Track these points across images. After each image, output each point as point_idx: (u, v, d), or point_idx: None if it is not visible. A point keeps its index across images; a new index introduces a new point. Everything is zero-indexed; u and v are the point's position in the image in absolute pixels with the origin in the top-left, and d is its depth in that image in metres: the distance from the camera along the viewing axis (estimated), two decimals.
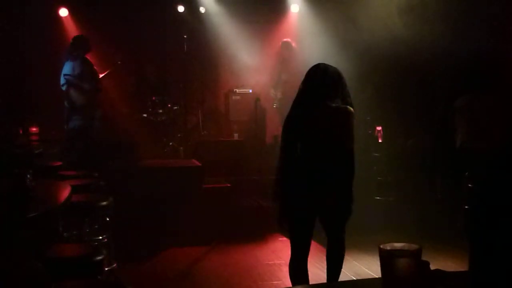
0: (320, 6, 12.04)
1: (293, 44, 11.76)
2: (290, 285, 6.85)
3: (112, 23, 12.24)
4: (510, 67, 9.65)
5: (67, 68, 10.31)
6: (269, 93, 12.10)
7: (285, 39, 11.89)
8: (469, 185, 8.70)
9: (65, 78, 10.26)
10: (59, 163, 8.31)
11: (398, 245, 2.04)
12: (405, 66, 9.80)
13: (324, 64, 5.60)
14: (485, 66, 9.22)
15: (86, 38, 10.69)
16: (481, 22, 9.17)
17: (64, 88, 10.31)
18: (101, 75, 11.08)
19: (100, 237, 6.41)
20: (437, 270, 2.35)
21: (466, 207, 8.69)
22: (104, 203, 6.26)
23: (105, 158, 9.64)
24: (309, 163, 5.33)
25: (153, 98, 11.86)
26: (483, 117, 8.49)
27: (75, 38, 10.66)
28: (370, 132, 10.38)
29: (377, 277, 2.22)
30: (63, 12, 12.51)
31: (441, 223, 8.83)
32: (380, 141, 10.15)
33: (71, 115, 10.31)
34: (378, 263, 2.05)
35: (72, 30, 12.31)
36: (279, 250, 8.47)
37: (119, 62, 11.52)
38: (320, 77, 5.49)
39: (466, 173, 8.73)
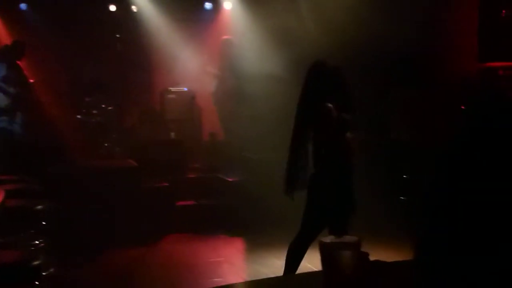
0: (253, 2, 12.03)
1: (234, 41, 11.70)
2: (230, 282, 6.87)
3: (44, 23, 12.03)
4: (440, 63, 9.87)
5: None
6: (206, 91, 12.04)
7: (225, 37, 11.84)
8: (404, 176, 8.87)
9: None
10: None
11: (338, 238, 2.06)
12: (342, 58, 9.88)
13: (320, 62, 5.87)
14: (417, 61, 9.41)
15: (22, 45, 10.53)
16: (413, 16, 9.34)
17: None
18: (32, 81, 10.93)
19: (37, 242, 6.30)
20: (376, 261, 2.37)
21: (402, 197, 8.86)
22: (40, 207, 6.15)
23: (40, 161, 9.47)
24: None
25: (87, 99, 11.70)
26: (416, 110, 8.69)
27: (13, 43, 10.52)
28: None
29: (317, 270, 2.24)
30: None
31: (376, 214, 8.96)
32: None
33: None
34: (319, 256, 2.06)
35: (1, 32, 12.06)
36: (219, 248, 8.47)
37: (53, 70, 11.31)
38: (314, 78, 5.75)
39: (401, 165, 8.90)
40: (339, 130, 5.63)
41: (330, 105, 5.51)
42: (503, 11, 9.14)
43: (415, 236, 1.05)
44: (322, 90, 5.60)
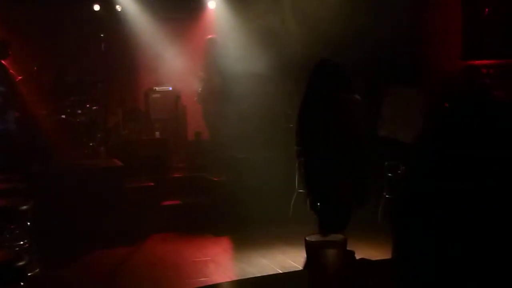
0: (237, 2, 12.04)
1: (219, 40, 11.65)
2: (217, 282, 6.87)
3: (28, 23, 11.98)
4: (424, 61, 9.92)
5: None
6: (191, 90, 12.01)
7: (210, 36, 11.80)
8: (389, 174, 8.90)
9: None
10: None
11: (324, 236, 2.07)
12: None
13: (325, 60, 5.74)
14: (400, 59, 9.45)
15: (7, 45, 10.49)
16: (396, 15, 9.37)
17: None
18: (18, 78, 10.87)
19: (22, 242, 6.27)
20: (362, 259, 2.39)
21: (386, 195, 8.90)
22: (25, 207, 6.12)
23: (25, 161, 9.43)
24: None
25: (71, 98, 11.66)
26: (406, 108, 8.72)
27: None
28: (291, 125, 10.45)
29: (303, 269, 2.25)
30: None
31: (361, 212, 8.98)
32: None
33: None
34: (304, 255, 2.07)
35: None
36: (205, 247, 8.47)
37: (35, 68, 11.26)
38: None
39: (386, 163, 8.93)
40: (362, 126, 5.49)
41: (357, 96, 5.41)
42: (486, 10, 9.20)
43: (392, 235, 1.06)
44: (331, 88, 5.49)
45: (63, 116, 11.61)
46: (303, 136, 5.69)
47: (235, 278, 6.92)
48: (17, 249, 5.99)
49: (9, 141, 10.10)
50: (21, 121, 10.74)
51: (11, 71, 10.61)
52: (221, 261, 7.74)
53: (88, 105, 11.78)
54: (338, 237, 2.08)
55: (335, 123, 5.44)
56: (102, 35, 12.12)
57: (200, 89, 11.54)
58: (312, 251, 2.07)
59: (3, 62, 10.41)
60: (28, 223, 6.34)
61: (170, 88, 12.46)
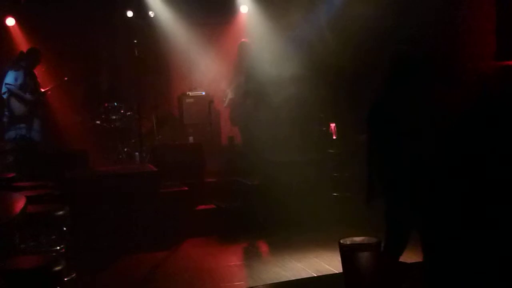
0: (269, 6, 12.05)
1: (251, 44, 11.68)
2: (251, 285, 6.87)
3: (61, 30, 12.10)
4: (457, 61, 9.83)
5: (9, 77, 10.22)
6: (224, 94, 12.05)
7: (242, 40, 11.82)
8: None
9: (6, 87, 10.15)
10: (12, 175, 8.19)
11: (358, 239, 2.06)
12: (357, 63, 9.88)
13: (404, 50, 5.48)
14: (433, 59, 9.36)
15: (38, 53, 10.60)
16: (430, 14, 9.30)
17: (5, 96, 10.20)
18: (46, 88, 10.97)
19: (58, 247, 6.32)
20: (398, 262, 2.37)
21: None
22: (61, 212, 6.17)
23: (60, 167, 9.52)
24: None
25: (106, 104, 11.76)
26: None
27: (29, 50, 10.61)
28: (324, 129, 10.43)
29: (337, 272, 2.24)
30: (10, 21, 12.31)
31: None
32: (334, 137, 10.20)
33: (9, 125, 10.20)
34: (339, 258, 2.06)
35: (19, 39, 12.14)
36: (239, 251, 8.47)
37: (65, 78, 11.35)
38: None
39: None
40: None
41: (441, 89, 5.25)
42: None
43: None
44: (410, 83, 5.26)
45: (98, 122, 11.72)
46: (381, 135, 5.38)
47: (269, 282, 6.90)
48: (54, 254, 6.04)
49: (34, 149, 10.21)
50: (47, 130, 10.86)
51: (38, 79, 10.74)
52: (256, 265, 7.73)
53: (122, 111, 11.87)
54: (372, 240, 2.07)
55: (419, 118, 5.17)
56: (135, 41, 12.20)
57: (227, 94, 11.56)
58: (347, 254, 2.06)
59: (33, 71, 10.56)
60: (64, 228, 6.39)
61: (203, 93, 12.50)
